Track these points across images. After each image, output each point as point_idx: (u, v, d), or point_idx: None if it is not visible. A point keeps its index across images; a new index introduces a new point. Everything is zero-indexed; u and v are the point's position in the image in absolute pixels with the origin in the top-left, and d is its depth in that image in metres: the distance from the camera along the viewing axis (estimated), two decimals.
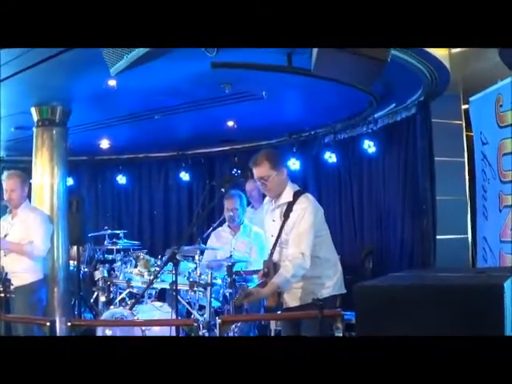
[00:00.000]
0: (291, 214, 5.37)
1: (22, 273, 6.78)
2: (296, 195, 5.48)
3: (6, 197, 6.95)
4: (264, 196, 5.97)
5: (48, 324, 5.11)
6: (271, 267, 5.38)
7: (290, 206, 5.42)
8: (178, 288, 5.72)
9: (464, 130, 9.09)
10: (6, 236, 6.81)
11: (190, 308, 7.57)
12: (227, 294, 7.24)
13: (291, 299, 5.48)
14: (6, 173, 7.12)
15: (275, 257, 5.44)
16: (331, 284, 5.47)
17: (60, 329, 7.39)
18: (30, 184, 7.62)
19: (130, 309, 7.27)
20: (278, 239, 5.42)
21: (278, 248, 5.44)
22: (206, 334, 6.72)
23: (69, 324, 5.06)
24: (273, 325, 7.53)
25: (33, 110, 8.78)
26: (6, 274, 6.45)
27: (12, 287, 6.49)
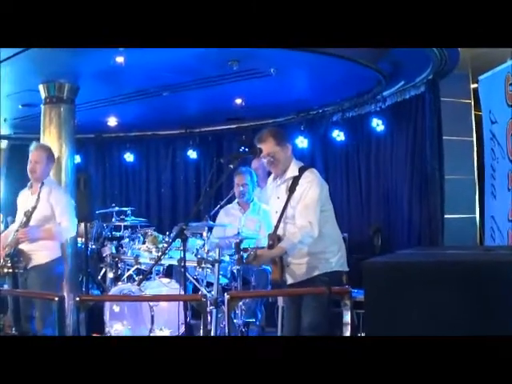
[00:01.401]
0: (297, 188, 5.42)
1: (38, 251, 6.60)
2: (301, 170, 5.52)
3: (29, 168, 6.79)
4: (269, 174, 5.97)
5: (57, 299, 5.13)
6: (276, 240, 5.41)
7: (295, 181, 5.46)
8: (186, 265, 5.72)
9: (473, 109, 9.05)
10: (27, 213, 6.69)
11: (197, 284, 7.59)
12: (235, 271, 7.25)
13: (294, 274, 5.50)
14: (33, 143, 6.99)
15: (280, 231, 5.47)
16: (334, 260, 5.50)
17: (68, 305, 7.42)
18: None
19: (138, 285, 7.28)
20: (283, 213, 5.45)
21: (282, 223, 5.47)
22: (214, 311, 6.74)
23: (77, 299, 5.08)
24: (280, 302, 7.55)
25: (40, 87, 8.74)
26: (15, 249, 6.44)
27: (23, 264, 6.49)
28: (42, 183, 6.71)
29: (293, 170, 5.54)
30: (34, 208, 6.53)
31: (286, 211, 5.44)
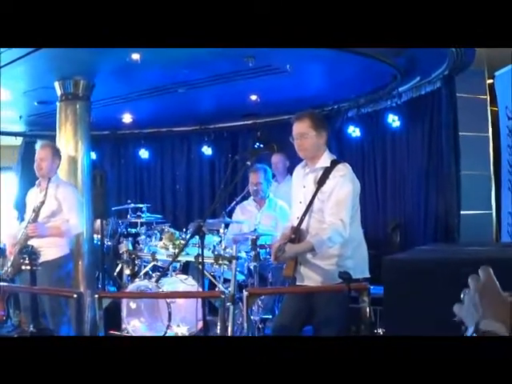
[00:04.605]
0: (327, 181, 5.09)
1: (47, 248, 6.66)
2: (334, 163, 5.20)
3: (35, 165, 6.91)
4: (289, 170, 5.89)
5: (75, 296, 5.16)
6: (298, 234, 5.10)
7: (326, 173, 5.14)
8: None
9: (489, 105, 9.02)
10: (35, 208, 6.73)
11: (214, 281, 7.60)
12: (252, 268, 7.26)
13: (307, 277, 5.22)
14: (39, 142, 7.09)
15: (304, 225, 5.16)
16: (353, 266, 5.06)
17: (85, 301, 7.46)
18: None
19: (156, 282, 7.30)
20: (310, 206, 5.14)
21: (307, 216, 5.15)
22: (231, 307, 6.74)
23: (96, 296, 5.10)
24: None
25: (56, 84, 8.74)
26: (32, 247, 6.48)
27: (39, 261, 6.53)
28: (49, 179, 6.78)
29: (325, 161, 5.23)
30: (43, 203, 6.61)
31: (312, 203, 5.14)
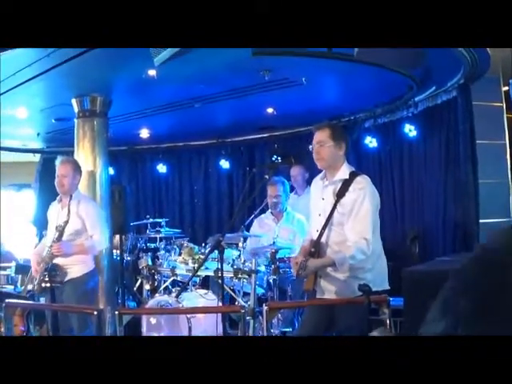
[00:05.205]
0: (347, 194, 5.06)
1: (73, 265, 6.67)
2: (352, 175, 5.17)
3: (56, 182, 6.84)
4: (308, 182, 5.88)
5: (95, 313, 5.17)
6: (318, 247, 5.10)
7: (345, 185, 5.11)
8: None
9: (505, 112, 8.99)
10: (59, 227, 6.68)
11: (234, 295, 7.60)
12: (271, 281, 7.25)
13: (326, 290, 5.21)
14: (59, 158, 7.04)
15: (324, 238, 5.14)
16: (373, 278, 5.03)
17: (106, 317, 7.47)
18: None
19: (177, 297, 7.29)
20: (330, 219, 5.11)
21: (327, 229, 5.12)
22: (251, 321, 6.73)
23: (116, 313, 5.11)
24: None
25: (73, 101, 8.81)
26: (53, 264, 6.50)
27: (60, 278, 6.55)
28: (71, 196, 6.75)
29: (344, 173, 5.19)
30: (66, 222, 6.55)
31: (332, 216, 5.11)
